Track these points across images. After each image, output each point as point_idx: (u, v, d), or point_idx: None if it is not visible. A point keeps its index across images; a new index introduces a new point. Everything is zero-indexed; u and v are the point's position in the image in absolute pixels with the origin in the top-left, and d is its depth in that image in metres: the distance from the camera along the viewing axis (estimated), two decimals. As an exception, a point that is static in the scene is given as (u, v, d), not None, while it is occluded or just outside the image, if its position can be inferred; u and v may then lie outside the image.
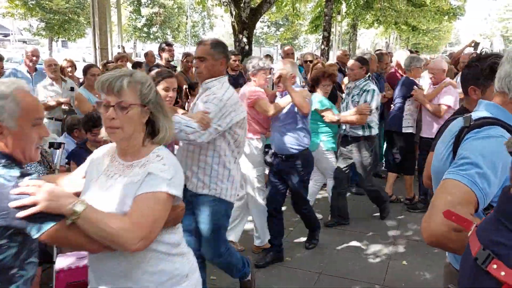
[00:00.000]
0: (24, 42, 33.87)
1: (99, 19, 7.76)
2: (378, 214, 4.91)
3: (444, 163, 1.54)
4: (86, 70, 4.92)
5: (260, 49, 42.95)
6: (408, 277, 3.60)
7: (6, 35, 34.89)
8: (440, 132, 1.97)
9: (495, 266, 0.82)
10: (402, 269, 3.74)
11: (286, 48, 6.59)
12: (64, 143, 3.59)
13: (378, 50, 9.93)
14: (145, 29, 36.46)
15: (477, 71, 1.80)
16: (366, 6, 17.89)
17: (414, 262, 3.83)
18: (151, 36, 37.12)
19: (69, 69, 6.04)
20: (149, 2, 35.88)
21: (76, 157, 3.48)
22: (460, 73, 2.13)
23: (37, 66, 6.04)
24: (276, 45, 41.56)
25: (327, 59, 13.10)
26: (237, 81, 6.03)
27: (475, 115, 1.49)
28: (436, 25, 22.33)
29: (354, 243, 4.22)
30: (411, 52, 10.23)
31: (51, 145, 3.50)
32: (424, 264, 3.75)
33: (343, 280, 3.53)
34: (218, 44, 2.74)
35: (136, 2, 35.52)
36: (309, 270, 3.65)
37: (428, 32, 28.92)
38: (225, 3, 9.50)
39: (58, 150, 3.41)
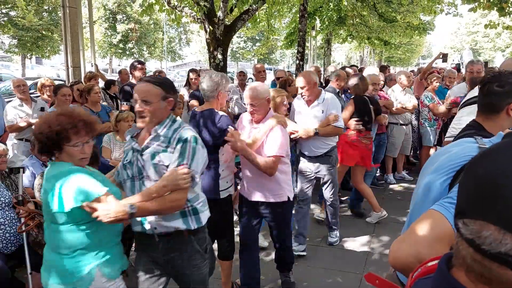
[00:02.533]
0: (-4, 59, 33.20)
1: (71, 38, 7.70)
2: (350, 228, 4.98)
3: (440, 186, 1.42)
4: (56, 90, 4.87)
5: (237, 63, 43.29)
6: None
7: (-23, 52, 34.14)
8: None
9: None
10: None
11: (258, 65, 6.67)
12: (24, 167, 3.58)
13: (352, 65, 10.15)
14: (121, 45, 36.31)
15: None
16: (339, 22, 18.27)
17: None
18: (127, 52, 36.97)
19: (47, 88, 5.86)
20: (124, 18, 35.81)
21: None
22: (478, 89, 1.92)
23: None
24: (253, 60, 41.91)
25: (296, 75, 13.28)
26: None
27: None
28: (408, 39, 22.94)
29: (326, 258, 4.25)
30: (382, 66, 10.52)
31: (11, 170, 3.50)
32: (396, 278, 3.79)
33: (316, 296, 3.55)
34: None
35: (111, 19, 35.40)
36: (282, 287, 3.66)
37: (400, 46, 29.72)
38: (199, 20, 9.56)
39: (19, 174, 3.39)
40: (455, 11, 14.98)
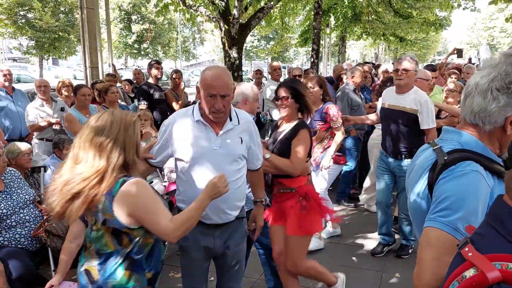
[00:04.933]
0: (15, 60, 33.84)
1: (88, 37, 7.79)
2: (368, 226, 4.95)
3: (421, 200, 1.47)
4: (76, 90, 4.93)
5: (250, 62, 43.30)
6: (401, 289, 3.62)
7: (-4, 54, 34.86)
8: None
9: (467, 249, 0.93)
10: (396, 281, 3.75)
11: (274, 63, 6.67)
12: (45, 166, 3.68)
13: (367, 62, 10.08)
14: (136, 46, 36.64)
15: None
16: (354, 18, 18.15)
17: (408, 274, 3.84)
18: (142, 52, 37.29)
19: (65, 88, 5.96)
20: (139, 18, 36.11)
21: None
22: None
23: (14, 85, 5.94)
24: (267, 59, 41.87)
25: (317, 71, 13.24)
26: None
27: (445, 146, 1.42)
28: (424, 35, 22.68)
29: (346, 257, 4.23)
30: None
31: (33, 169, 3.61)
32: (416, 276, 3.76)
33: (336, 294, 3.53)
34: None
35: (126, 19, 35.74)
36: (302, 286, 3.65)
37: (415, 43, 29.36)
38: (214, 19, 9.59)
39: (41, 173, 3.49)
40: (472, 6, 14.76)
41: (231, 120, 2.31)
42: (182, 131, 2.28)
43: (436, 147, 1.44)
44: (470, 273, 0.87)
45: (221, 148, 2.26)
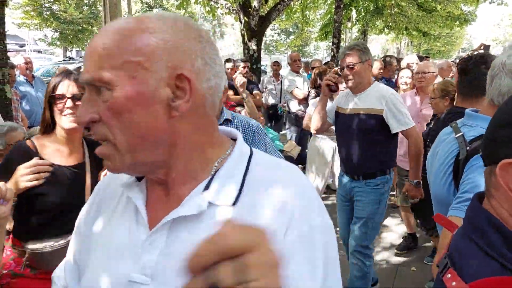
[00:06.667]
0: (39, 52, 34.48)
1: (110, 28, 7.90)
2: (385, 221, 4.90)
3: (446, 190, 1.43)
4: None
5: (270, 56, 43.17)
6: (416, 283, 3.57)
7: (21, 45, 35.58)
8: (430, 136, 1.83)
9: (449, 275, 0.78)
10: (411, 275, 3.71)
11: (293, 54, 6.66)
12: None
13: (387, 55, 9.92)
14: (157, 38, 37.04)
15: None
16: (376, 12, 17.87)
17: (424, 268, 3.80)
18: (163, 45, 37.69)
19: None
20: (160, 11, 36.46)
21: None
22: (463, 75, 1.97)
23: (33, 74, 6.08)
24: (286, 53, 41.70)
25: (337, 65, 13.11)
26: (247, 88, 6.08)
27: (468, 133, 1.38)
28: (448, 30, 22.18)
29: (362, 249, 4.20)
30: (420, 57, 10.24)
31: None
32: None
33: (350, 286, 3.51)
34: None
35: (148, 12, 36.10)
36: None
37: (439, 38, 28.76)
38: (235, 11, 9.60)
39: None
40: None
41: (206, 187, 0.72)
42: (100, 220, 0.84)
43: (459, 135, 1.41)
44: None
45: (154, 278, 0.70)
